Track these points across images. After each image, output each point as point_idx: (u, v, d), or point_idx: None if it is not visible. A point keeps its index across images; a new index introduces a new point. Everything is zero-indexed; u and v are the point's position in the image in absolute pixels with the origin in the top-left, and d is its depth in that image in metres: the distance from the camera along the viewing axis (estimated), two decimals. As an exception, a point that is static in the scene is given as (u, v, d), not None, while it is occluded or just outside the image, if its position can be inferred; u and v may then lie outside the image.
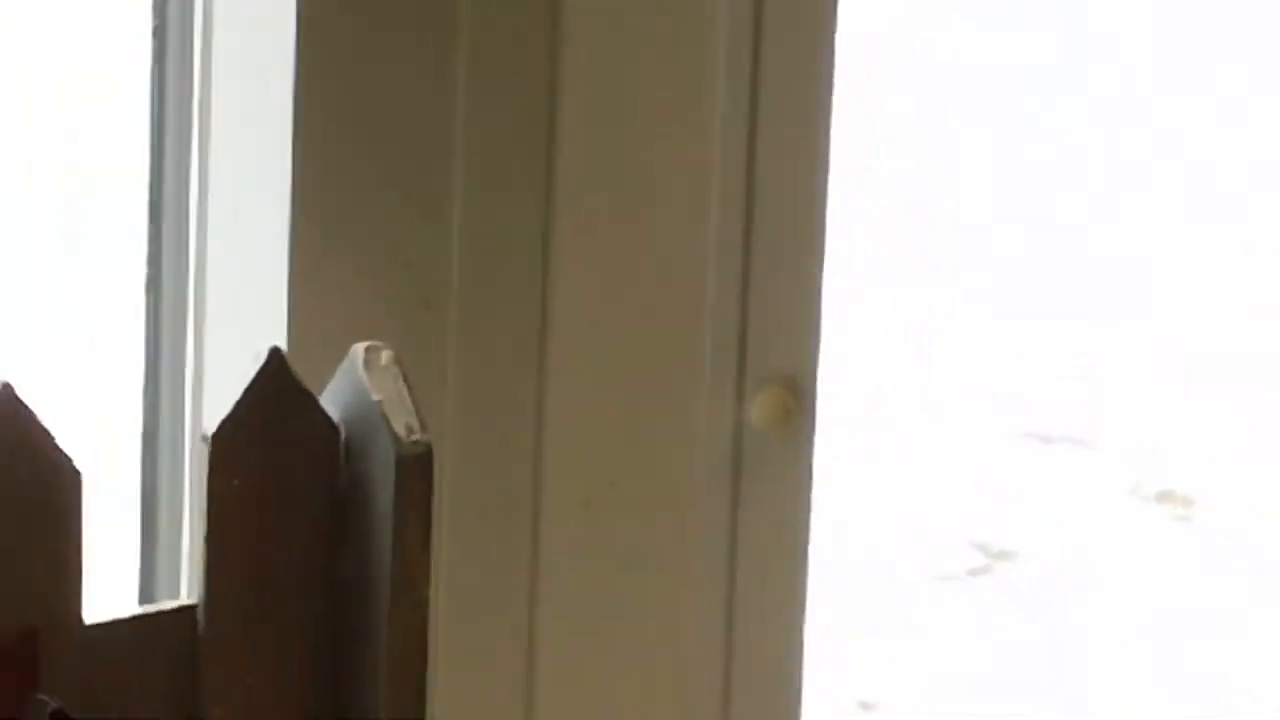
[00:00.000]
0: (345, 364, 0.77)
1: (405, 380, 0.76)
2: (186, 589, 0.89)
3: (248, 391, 0.75)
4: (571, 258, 1.11)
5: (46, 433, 0.71)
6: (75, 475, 0.71)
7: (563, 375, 1.11)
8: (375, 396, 0.75)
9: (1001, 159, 6.26)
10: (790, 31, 1.14)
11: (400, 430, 0.74)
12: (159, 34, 1.19)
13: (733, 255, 1.12)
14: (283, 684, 0.77)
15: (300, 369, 0.76)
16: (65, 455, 0.71)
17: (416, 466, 0.75)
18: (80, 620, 0.72)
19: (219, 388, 0.95)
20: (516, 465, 1.11)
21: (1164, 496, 4.56)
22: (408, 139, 1.11)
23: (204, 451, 0.75)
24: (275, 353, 0.75)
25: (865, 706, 3.75)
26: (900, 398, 4.62)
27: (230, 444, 0.74)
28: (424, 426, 0.76)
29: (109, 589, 0.86)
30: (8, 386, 0.70)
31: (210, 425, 0.76)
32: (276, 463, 0.75)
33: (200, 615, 0.75)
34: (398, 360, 0.77)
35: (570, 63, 1.10)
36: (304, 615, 0.77)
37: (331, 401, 0.77)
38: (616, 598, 1.16)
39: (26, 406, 0.70)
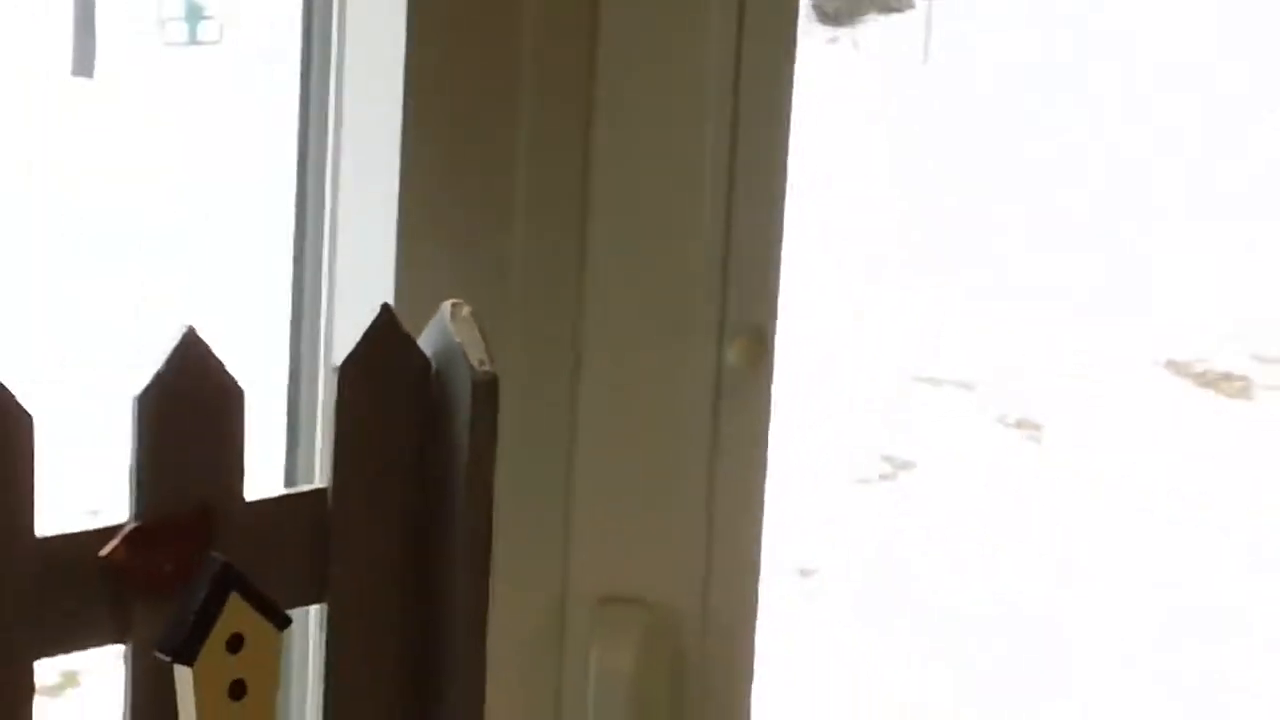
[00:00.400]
0: (436, 316, 0.76)
1: (479, 328, 0.76)
2: (319, 481, 0.89)
3: (365, 336, 0.74)
4: (604, 243, 1.10)
5: (220, 363, 0.70)
6: (239, 395, 0.71)
7: (597, 330, 1.10)
8: (457, 339, 0.75)
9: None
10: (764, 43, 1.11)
11: (474, 363, 0.74)
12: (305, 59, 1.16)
13: (717, 234, 1.10)
14: (387, 551, 0.76)
15: (404, 320, 0.76)
16: (233, 379, 0.70)
17: (486, 390, 0.74)
18: (242, 499, 0.71)
19: (345, 334, 0.94)
20: (554, 402, 1.10)
21: (1021, 423, 4.58)
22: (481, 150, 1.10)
23: (334, 379, 0.74)
24: (385, 308, 0.75)
25: (804, 573, 3.78)
26: (830, 346, 4.64)
27: (352, 374, 0.74)
28: (491, 360, 0.75)
29: (264, 481, 0.85)
30: (191, 329, 0.69)
31: (338, 360, 0.75)
32: (385, 388, 0.75)
33: (329, 497, 0.74)
34: (474, 313, 0.76)
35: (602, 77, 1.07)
36: (404, 499, 0.76)
37: (426, 343, 0.76)
38: (629, 483, 1.14)
39: (205, 343, 0.69)
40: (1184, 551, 3.83)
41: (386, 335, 0.76)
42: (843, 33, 7.49)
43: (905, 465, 4.29)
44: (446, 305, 0.78)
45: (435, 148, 1.01)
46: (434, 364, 0.77)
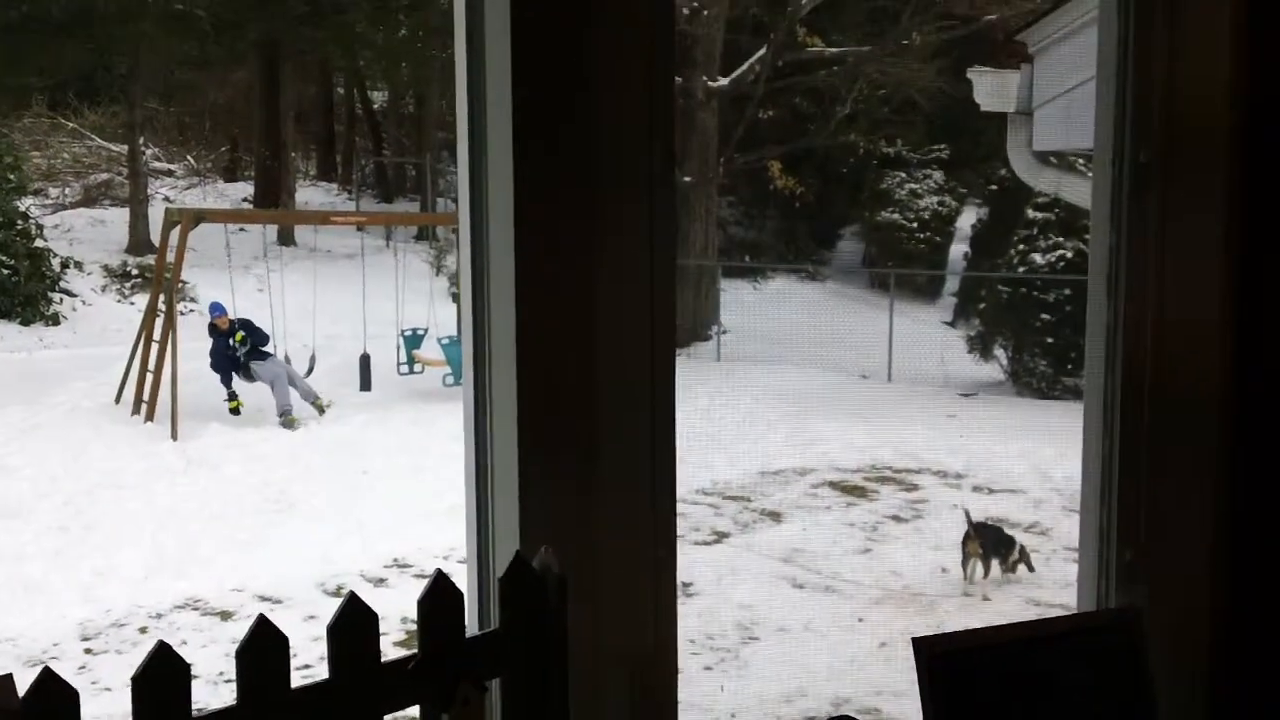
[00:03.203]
0: (538, 555, 1.68)
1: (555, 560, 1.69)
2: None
3: (510, 566, 1.67)
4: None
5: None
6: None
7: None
8: (550, 565, 1.67)
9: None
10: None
11: (553, 575, 1.66)
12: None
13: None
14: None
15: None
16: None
17: (559, 588, 1.67)
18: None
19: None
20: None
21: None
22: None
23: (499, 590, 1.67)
24: (517, 555, 1.68)
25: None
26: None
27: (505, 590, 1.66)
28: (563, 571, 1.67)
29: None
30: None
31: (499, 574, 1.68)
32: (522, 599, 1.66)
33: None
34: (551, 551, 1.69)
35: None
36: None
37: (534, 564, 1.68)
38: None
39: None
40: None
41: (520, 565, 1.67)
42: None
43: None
44: (543, 550, 1.69)
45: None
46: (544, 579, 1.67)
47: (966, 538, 8.65)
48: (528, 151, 1.85)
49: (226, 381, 13.94)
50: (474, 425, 1.95)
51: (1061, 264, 16.67)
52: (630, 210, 1.92)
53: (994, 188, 21.85)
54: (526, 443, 1.87)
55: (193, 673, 1.34)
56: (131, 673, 1.26)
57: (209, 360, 13.94)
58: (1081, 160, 7.80)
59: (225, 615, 7.88)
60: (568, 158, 1.87)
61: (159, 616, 7.82)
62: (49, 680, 1.23)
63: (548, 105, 1.86)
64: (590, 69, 1.87)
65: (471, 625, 1.83)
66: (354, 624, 1.50)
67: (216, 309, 14.30)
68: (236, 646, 1.38)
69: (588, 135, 1.88)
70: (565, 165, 1.87)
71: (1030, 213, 17.28)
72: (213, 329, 14.24)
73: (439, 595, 1.57)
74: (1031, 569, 8.67)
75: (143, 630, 7.59)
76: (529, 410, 1.87)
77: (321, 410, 13.85)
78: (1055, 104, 6.06)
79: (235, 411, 13.63)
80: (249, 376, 14.13)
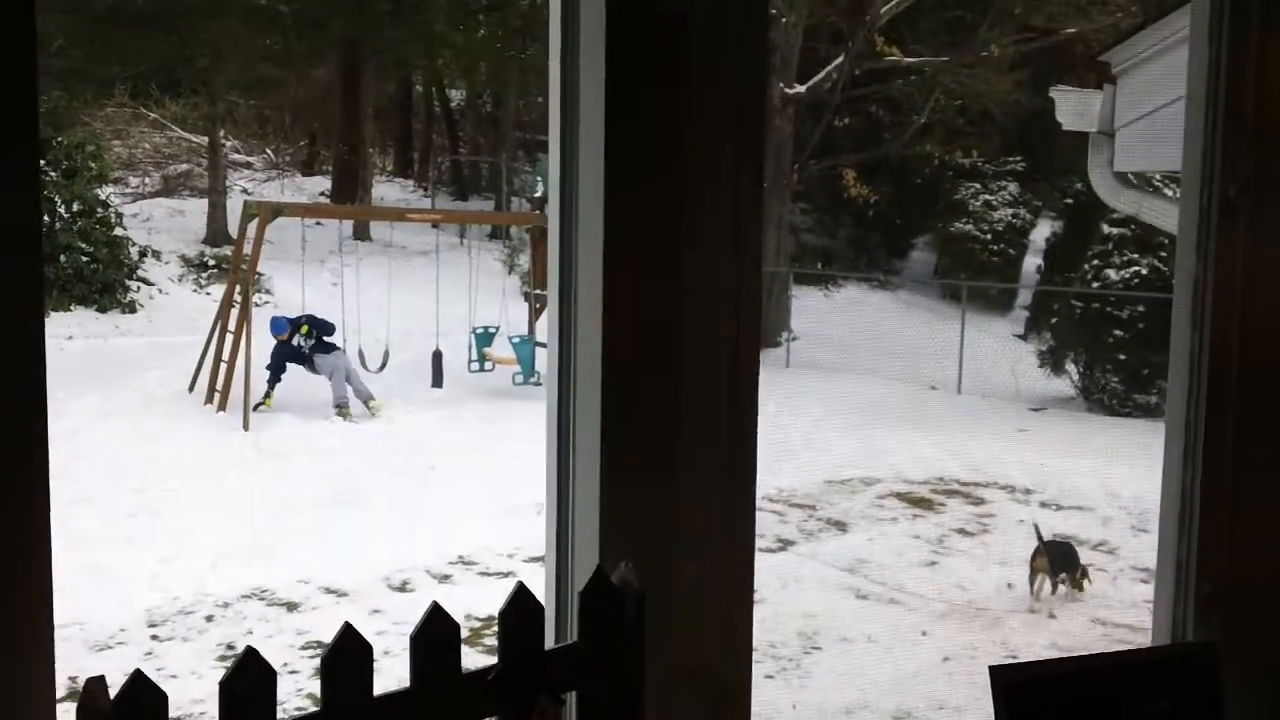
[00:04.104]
0: (618, 569, 1.70)
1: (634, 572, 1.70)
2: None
3: (591, 579, 1.68)
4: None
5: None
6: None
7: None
8: (629, 580, 1.69)
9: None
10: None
11: (633, 590, 1.68)
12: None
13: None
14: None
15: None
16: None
17: (637, 602, 1.68)
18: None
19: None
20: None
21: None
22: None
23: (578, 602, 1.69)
24: (599, 569, 1.70)
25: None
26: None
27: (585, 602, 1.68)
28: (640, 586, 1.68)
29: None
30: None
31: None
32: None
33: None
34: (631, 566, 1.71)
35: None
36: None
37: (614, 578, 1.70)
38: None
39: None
40: None
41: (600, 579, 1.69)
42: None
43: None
44: (623, 564, 1.71)
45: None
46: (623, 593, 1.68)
47: (1036, 553, 8.56)
48: (618, 153, 1.86)
49: (272, 382, 14.08)
50: (556, 437, 1.96)
51: (1136, 280, 16.47)
52: (718, 219, 1.93)
53: (1069, 201, 21.63)
54: (609, 456, 1.88)
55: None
56: (198, 663, 1.28)
57: (269, 359, 14.07)
58: (1159, 178, 7.71)
59: (291, 606, 7.97)
60: (658, 160, 1.88)
61: (226, 606, 7.93)
62: (139, 683, 1.25)
63: (640, 106, 1.86)
64: (685, 72, 1.88)
65: (549, 637, 1.84)
66: (436, 634, 1.52)
67: (277, 327, 14.38)
68: (322, 653, 1.40)
69: (679, 139, 1.88)
70: (655, 168, 1.88)
71: (1105, 228, 17.08)
72: (274, 335, 14.39)
73: (520, 608, 1.59)
74: (1081, 590, 8.56)
75: (209, 619, 7.69)
76: (612, 424, 1.88)
77: (372, 411, 13.96)
78: (1138, 125, 6.01)
79: (256, 408, 13.72)
80: (312, 368, 14.28)
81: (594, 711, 1.65)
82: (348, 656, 1.42)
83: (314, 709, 1.41)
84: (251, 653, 1.33)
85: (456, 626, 1.54)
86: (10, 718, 1.41)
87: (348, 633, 1.43)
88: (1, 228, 1.38)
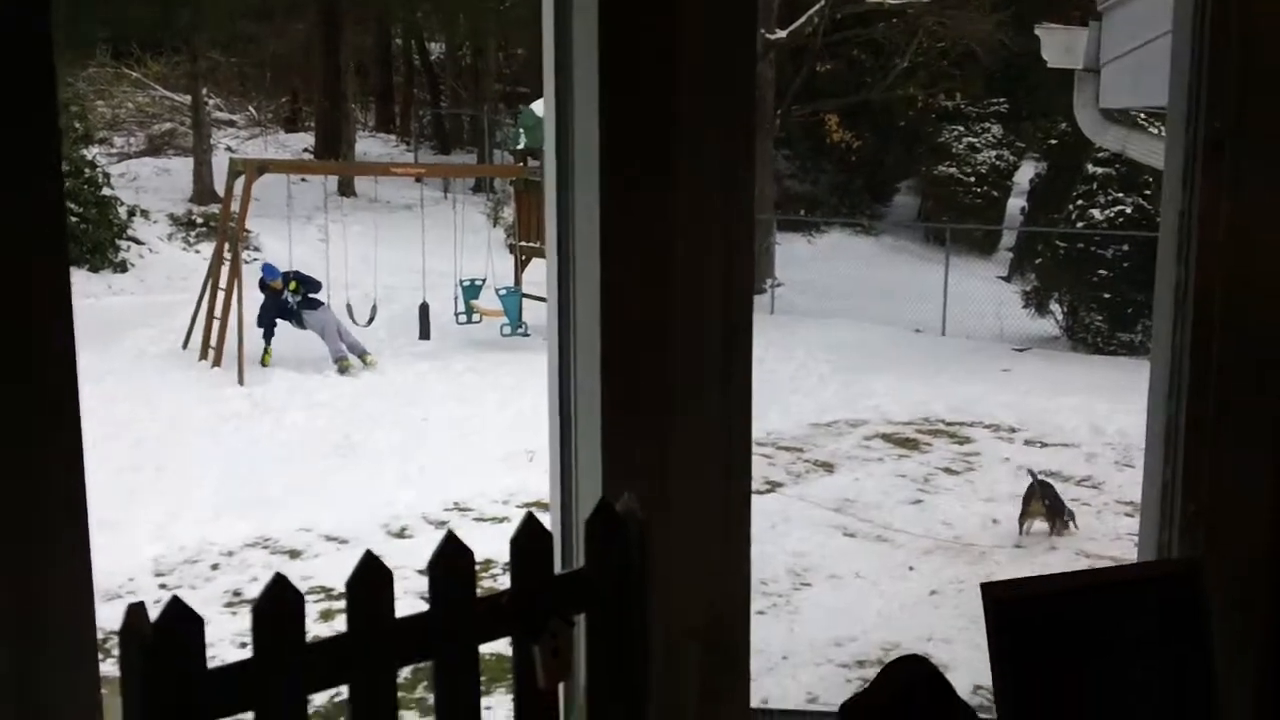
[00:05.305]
0: (622, 499, 1.75)
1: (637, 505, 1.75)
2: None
3: (595, 509, 1.73)
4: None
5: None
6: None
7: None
8: (632, 509, 1.73)
9: None
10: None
11: (636, 519, 1.73)
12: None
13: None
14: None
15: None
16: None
17: (639, 532, 1.73)
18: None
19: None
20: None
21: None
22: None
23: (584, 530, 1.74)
24: (603, 500, 1.75)
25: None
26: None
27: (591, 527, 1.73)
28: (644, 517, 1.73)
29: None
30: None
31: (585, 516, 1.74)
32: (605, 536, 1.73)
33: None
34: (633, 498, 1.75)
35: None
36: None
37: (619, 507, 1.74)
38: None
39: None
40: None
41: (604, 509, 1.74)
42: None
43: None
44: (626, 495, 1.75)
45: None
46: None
47: (1032, 497, 8.61)
48: (612, 107, 1.89)
49: (267, 337, 14.09)
50: (558, 375, 2.01)
51: (1121, 220, 16.50)
52: (710, 165, 1.96)
53: (1053, 142, 21.62)
54: (609, 392, 1.92)
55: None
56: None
57: (257, 316, 14.06)
58: (1144, 117, 7.72)
59: (294, 554, 8.04)
60: (651, 106, 1.91)
61: (230, 554, 8.00)
62: (177, 607, 1.30)
63: (635, 53, 1.89)
64: (678, 15, 1.91)
65: (556, 566, 1.89)
66: (451, 560, 1.57)
67: (270, 273, 14.39)
68: (346, 579, 1.45)
69: (672, 83, 1.91)
70: (649, 112, 1.91)
71: (1090, 168, 17.10)
72: (263, 286, 14.37)
73: (530, 536, 1.64)
74: (1069, 530, 8.64)
75: (214, 567, 7.77)
76: (612, 361, 1.93)
77: (368, 365, 13.99)
78: (1124, 60, 6.00)
79: (264, 364, 13.73)
80: (300, 324, 14.28)
81: (602, 632, 1.71)
82: (369, 581, 1.48)
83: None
84: (280, 579, 1.38)
85: (471, 554, 1.60)
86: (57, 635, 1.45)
87: (368, 559, 1.48)
88: (29, 229, 1.44)
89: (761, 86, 19.79)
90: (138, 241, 19.72)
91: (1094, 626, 1.94)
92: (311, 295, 14.37)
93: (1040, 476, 8.86)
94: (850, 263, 20.34)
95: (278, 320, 14.21)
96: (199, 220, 21.05)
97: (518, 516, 1.68)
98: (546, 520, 1.76)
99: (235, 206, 14.55)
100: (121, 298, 17.48)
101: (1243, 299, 2.13)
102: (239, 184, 14.45)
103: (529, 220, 16.05)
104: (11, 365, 1.46)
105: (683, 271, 1.95)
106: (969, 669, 4.95)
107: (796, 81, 22.32)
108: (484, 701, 1.63)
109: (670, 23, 1.90)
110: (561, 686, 1.68)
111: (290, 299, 14.30)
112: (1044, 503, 8.59)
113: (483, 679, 1.64)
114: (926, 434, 11.56)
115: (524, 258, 16.38)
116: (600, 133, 1.89)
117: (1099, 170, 16.88)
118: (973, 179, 22.91)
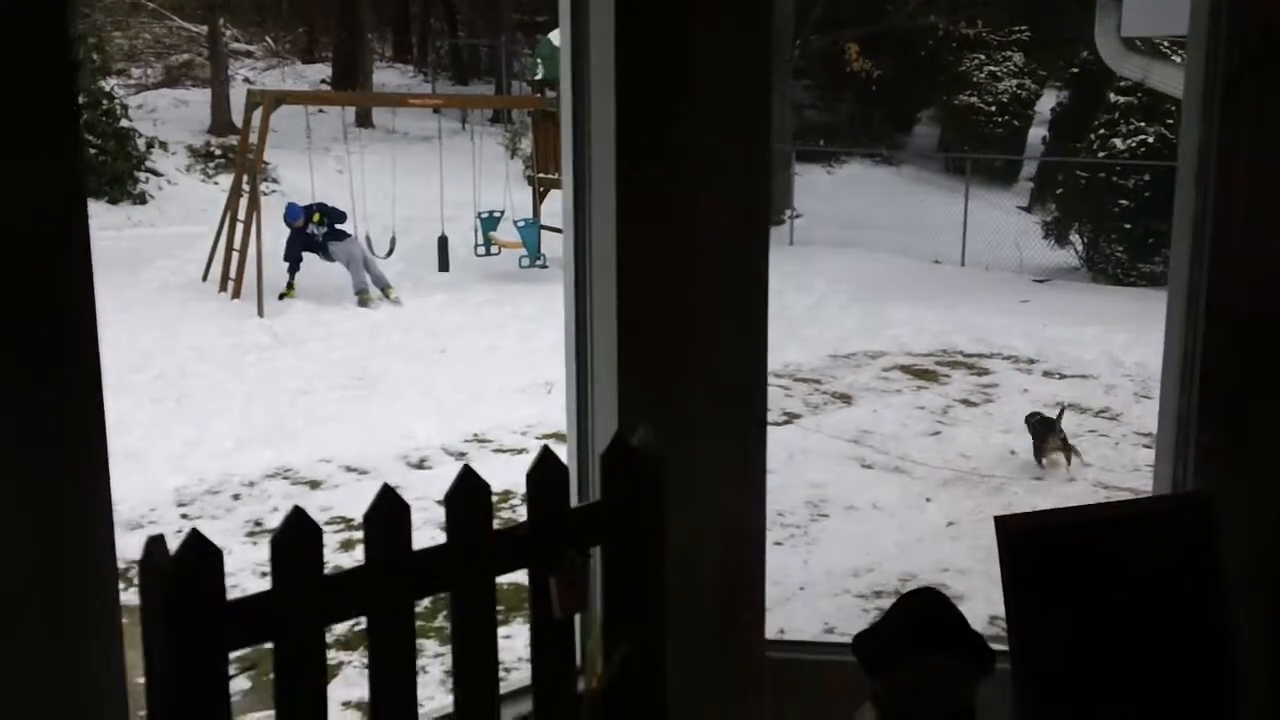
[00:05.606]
0: (639, 432, 1.76)
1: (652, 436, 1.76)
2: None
3: (611, 442, 1.74)
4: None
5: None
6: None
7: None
8: (648, 443, 1.74)
9: None
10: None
11: (650, 453, 1.73)
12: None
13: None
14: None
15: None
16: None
17: (655, 465, 1.74)
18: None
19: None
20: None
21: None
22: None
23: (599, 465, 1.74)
24: (617, 434, 1.75)
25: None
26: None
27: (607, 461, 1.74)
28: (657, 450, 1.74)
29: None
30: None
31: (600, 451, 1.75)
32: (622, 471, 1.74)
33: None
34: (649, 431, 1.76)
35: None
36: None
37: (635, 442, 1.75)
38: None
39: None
40: None
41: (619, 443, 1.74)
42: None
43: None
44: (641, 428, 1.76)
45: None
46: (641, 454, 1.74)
47: (1051, 433, 8.58)
48: (628, 33, 1.88)
49: (292, 271, 14.05)
50: (574, 309, 2.01)
51: (1143, 149, 16.33)
52: (726, 98, 1.95)
53: (1075, 71, 21.35)
54: (625, 324, 1.93)
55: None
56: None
57: (283, 251, 14.03)
58: (1167, 45, 7.62)
59: (314, 484, 8.09)
60: (668, 31, 1.90)
61: (251, 485, 8.05)
62: (196, 540, 1.32)
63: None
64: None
65: (572, 498, 1.90)
66: (469, 494, 1.58)
67: (293, 213, 14.30)
68: (364, 512, 1.46)
69: (688, 5, 1.89)
70: (666, 38, 1.90)
71: (1112, 96, 16.90)
72: (288, 223, 14.31)
73: (546, 469, 1.65)
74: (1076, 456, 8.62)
75: (235, 497, 7.82)
76: (628, 294, 1.93)
77: (390, 298, 13.98)
78: (1147, -13, 5.91)
79: (281, 298, 13.71)
80: (327, 256, 14.26)
81: (618, 563, 1.73)
82: (387, 513, 1.49)
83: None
84: (298, 512, 1.39)
85: (488, 488, 1.61)
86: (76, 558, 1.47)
87: (386, 493, 1.49)
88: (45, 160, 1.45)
89: (781, 15, 19.58)
90: (156, 173, 19.69)
91: (1106, 560, 1.94)
92: (337, 226, 14.34)
93: (1037, 416, 8.80)
94: (869, 193, 20.20)
95: (303, 254, 14.19)
96: (217, 152, 21.00)
97: (536, 448, 1.68)
98: (563, 453, 1.77)
99: (253, 138, 14.50)
100: (142, 229, 17.50)
101: (1263, 228, 2.12)
102: (257, 115, 14.39)
103: (547, 151, 15.96)
104: (29, 295, 1.46)
105: (699, 202, 1.95)
106: (985, 599, 4.97)
107: (816, 9, 22.05)
108: (501, 631, 1.64)
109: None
110: (577, 617, 1.69)
111: (315, 230, 14.27)
112: (1061, 437, 8.57)
113: (500, 609, 1.65)
114: (945, 366, 11.54)
115: (542, 189, 16.30)
116: (615, 61, 1.88)
117: (1121, 99, 16.67)
118: (994, 108, 22.68)
